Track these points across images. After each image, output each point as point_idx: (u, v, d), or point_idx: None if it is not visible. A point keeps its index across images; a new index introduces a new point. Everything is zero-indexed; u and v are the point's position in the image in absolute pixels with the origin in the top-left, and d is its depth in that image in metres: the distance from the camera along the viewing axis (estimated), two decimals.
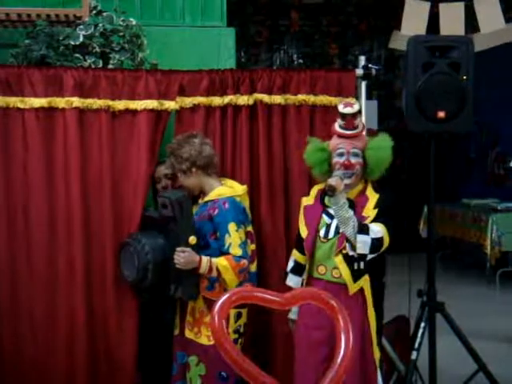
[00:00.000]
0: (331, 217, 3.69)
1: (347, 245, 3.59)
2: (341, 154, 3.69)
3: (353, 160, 3.66)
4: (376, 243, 3.56)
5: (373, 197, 3.71)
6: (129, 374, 4.01)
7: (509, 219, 8.51)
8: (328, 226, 3.69)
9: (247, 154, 4.11)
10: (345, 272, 3.61)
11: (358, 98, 4.28)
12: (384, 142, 3.73)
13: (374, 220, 3.62)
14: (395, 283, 5.40)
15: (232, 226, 3.72)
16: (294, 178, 4.21)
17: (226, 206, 3.76)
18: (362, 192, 3.74)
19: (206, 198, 3.85)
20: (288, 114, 4.16)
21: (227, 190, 3.86)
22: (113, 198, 3.94)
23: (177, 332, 3.94)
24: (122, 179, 3.96)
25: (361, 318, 3.67)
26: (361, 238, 3.54)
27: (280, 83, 4.12)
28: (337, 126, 3.74)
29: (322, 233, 3.71)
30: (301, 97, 4.14)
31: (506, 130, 9.62)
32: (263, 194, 4.16)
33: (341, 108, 3.70)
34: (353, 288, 3.62)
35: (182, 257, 3.63)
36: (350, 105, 3.71)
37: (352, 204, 3.65)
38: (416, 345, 4.54)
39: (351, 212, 3.57)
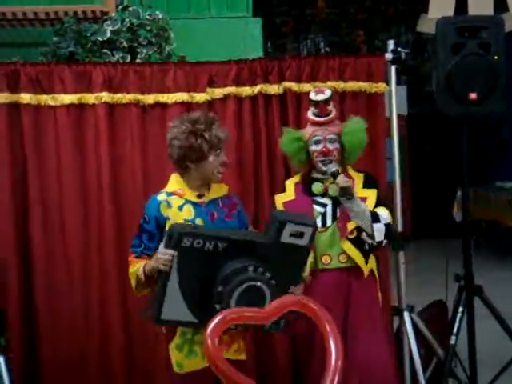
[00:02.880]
0: (322, 205, 3.68)
1: (364, 234, 3.61)
2: (317, 142, 3.67)
3: (330, 146, 3.65)
4: (388, 229, 3.63)
5: (356, 177, 3.75)
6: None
7: None
8: (323, 215, 3.68)
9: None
10: (356, 255, 3.65)
11: (387, 83, 4.25)
12: (358, 124, 3.73)
13: (377, 204, 3.69)
14: (431, 268, 5.36)
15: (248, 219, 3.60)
16: None
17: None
18: (346, 174, 3.72)
19: (216, 195, 3.41)
20: None
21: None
22: (145, 193, 3.95)
23: (205, 364, 3.08)
24: (154, 173, 3.97)
25: (377, 297, 3.78)
26: (376, 226, 3.60)
27: (309, 71, 4.11)
28: (310, 114, 3.72)
29: (318, 222, 3.65)
30: (330, 84, 4.11)
31: None
32: None
33: (312, 95, 3.68)
34: (366, 269, 3.68)
35: (298, 293, 3.29)
36: (322, 91, 3.69)
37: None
38: (455, 329, 4.50)
39: (363, 204, 3.60)
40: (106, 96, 3.86)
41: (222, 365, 2.35)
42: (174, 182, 3.37)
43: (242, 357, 3.37)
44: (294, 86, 4.08)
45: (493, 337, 4.95)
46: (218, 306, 3.07)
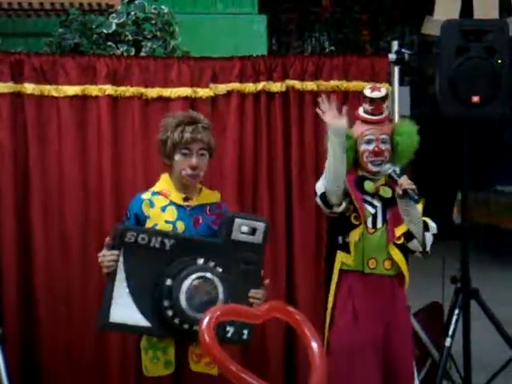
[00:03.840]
0: (373, 206, 3.47)
1: (414, 241, 3.44)
2: (369, 141, 3.46)
3: (382, 146, 3.45)
4: (433, 240, 3.51)
5: None
6: None
7: None
8: (374, 216, 3.47)
9: (282, 142, 4.13)
10: (402, 262, 3.48)
11: (390, 83, 4.26)
12: (411, 126, 3.57)
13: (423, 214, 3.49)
14: (429, 270, 5.37)
15: None
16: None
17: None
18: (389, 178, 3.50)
19: (205, 201, 3.28)
20: None
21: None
22: (146, 186, 3.95)
23: (171, 370, 3.16)
24: (155, 167, 3.96)
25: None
26: (427, 235, 3.44)
27: (312, 69, 4.12)
28: (362, 112, 3.52)
29: (369, 223, 3.46)
30: (333, 83, 4.14)
31: None
32: (295, 183, 4.18)
33: (368, 92, 3.48)
34: (408, 280, 3.54)
35: (261, 297, 3.14)
36: (378, 88, 3.50)
37: (394, 191, 3.45)
38: (450, 331, 4.51)
39: (419, 210, 3.41)
40: (109, 88, 3.87)
41: (223, 358, 2.29)
42: (163, 182, 3.28)
43: (214, 371, 3.18)
44: (297, 84, 4.09)
45: (488, 339, 4.97)
46: (166, 303, 2.96)
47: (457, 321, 4.55)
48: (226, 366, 2.27)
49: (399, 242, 3.48)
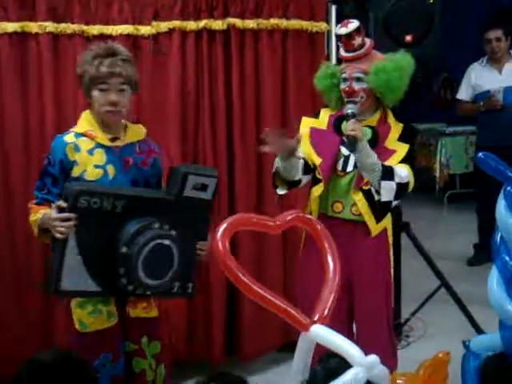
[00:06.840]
0: None
1: (371, 189, 3.21)
2: (345, 80, 3.26)
3: (356, 86, 3.22)
4: (401, 188, 3.19)
5: (395, 126, 3.34)
6: None
7: (456, 142, 8.75)
8: (346, 158, 3.29)
9: (223, 80, 4.12)
10: (365, 210, 3.26)
11: (328, 22, 4.31)
12: (391, 63, 3.27)
13: (403, 160, 3.25)
14: None
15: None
16: (266, 104, 4.24)
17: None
18: (383, 120, 3.35)
19: (134, 138, 3.17)
20: (260, 39, 4.16)
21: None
22: None
23: (115, 321, 3.10)
24: None
25: (387, 262, 3.41)
26: (385, 184, 3.14)
27: (253, 7, 4.11)
28: (341, 49, 3.32)
29: (339, 166, 3.30)
30: (273, 21, 4.15)
31: (453, 54, 9.75)
32: (236, 119, 4.20)
33: (336, 29, 3.27)
34: (375, 229, 3.31)
35: (206, 249, 3.10)
36: (346, 24, 3.20)
37: (375, 133, 3.28)
38: None
39: (375, 156, 3.15)
40: (50, 25, 3.73)
41: (235, 269, 2.28)
42: (85, 122, 3.09)
43: (153, 314, 3.21)
44: (238, 22, 4.07)
45: (414, 271, 5.20)
46: (122, 270, 2.88)
47: None
48: (237, 277, 2.28)
49: (366, 188, 3.26)
